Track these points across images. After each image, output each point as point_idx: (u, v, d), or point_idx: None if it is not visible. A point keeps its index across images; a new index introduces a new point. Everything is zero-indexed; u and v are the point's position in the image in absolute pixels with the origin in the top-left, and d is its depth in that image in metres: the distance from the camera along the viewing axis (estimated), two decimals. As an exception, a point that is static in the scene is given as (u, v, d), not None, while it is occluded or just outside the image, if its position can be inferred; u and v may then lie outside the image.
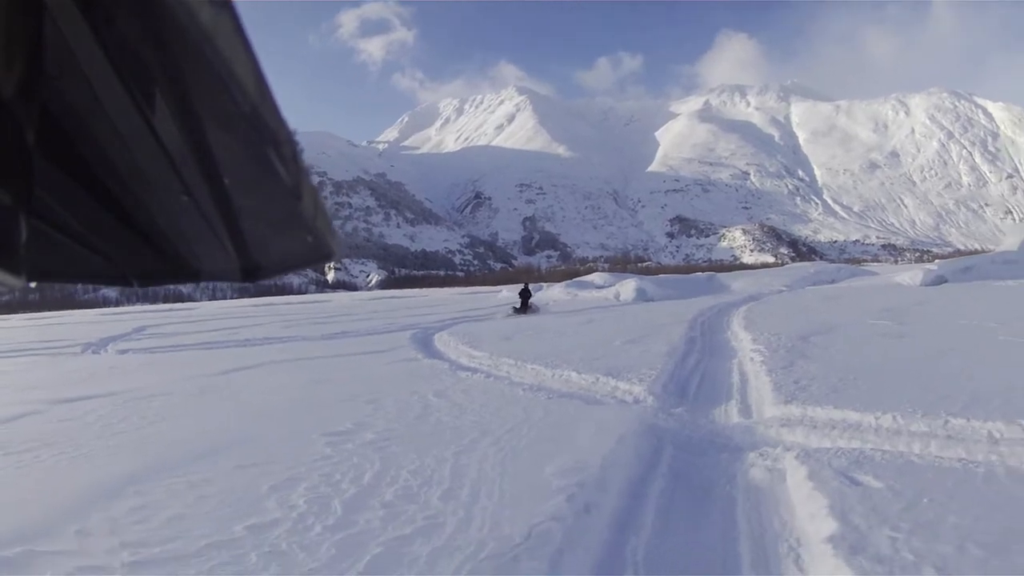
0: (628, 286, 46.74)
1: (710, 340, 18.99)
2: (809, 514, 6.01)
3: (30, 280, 0.71)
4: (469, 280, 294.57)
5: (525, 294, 38.39)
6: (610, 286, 50.38)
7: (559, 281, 62.18)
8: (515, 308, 37.17)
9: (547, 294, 53.33)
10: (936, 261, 51.43)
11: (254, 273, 0.90)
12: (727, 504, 6.85)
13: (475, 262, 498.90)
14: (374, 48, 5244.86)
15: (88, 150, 0.70)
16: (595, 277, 59.37)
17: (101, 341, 27.61)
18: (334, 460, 7.90)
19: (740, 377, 12.89)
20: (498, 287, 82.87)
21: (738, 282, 54.15)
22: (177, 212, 0.79)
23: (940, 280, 42.34)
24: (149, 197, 0.78)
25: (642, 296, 45.22)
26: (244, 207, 0.79)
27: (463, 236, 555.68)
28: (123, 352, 24.20)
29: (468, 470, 7.30)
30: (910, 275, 43.91)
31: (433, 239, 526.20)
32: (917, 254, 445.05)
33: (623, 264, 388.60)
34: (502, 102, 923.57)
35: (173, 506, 6.53)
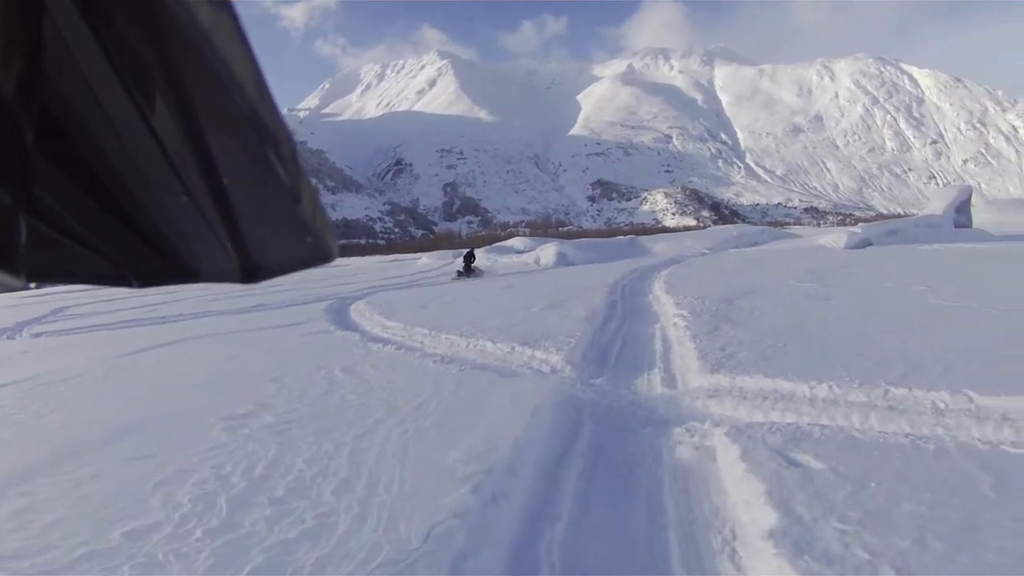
0: (548, 250, 46.18)
1: (631, 304, 18.70)
2: (744, 501, 5.59)
3: (30, 280, 0.71)
4: (391, 248, 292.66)
5: (469, 258, 39.54)
6: (530, 251, 49.91)
7: (480, 247, 61.62)
8: (459, 272, 38.15)
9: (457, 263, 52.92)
10: (860, 224, 51.34)
11: (253, 273, 0.90)
12: (653, 487, 6.44)
13: (396, 230, 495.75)
14: (296, 14, 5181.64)
15: (87, 150, 0.70)
16: (515, 242, 59.05)
17: (17, 325, 26.17)
18: (228, 448, 7.40)
19: (663, 343, 12.52)
20: (418, 254, 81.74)
21: (660, 245, 53.75)
22: (176, 212, 0.79)
23: (865, 243, 41.90)
24: (148, 197, 0.78)
25: (563, 260, 44.78)
26: (243, 207, 0.79)
27: (384, 204, 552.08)
28: (37, 335, 22.86)
29: (367, 456, 6.84)
30: (834, 238, 43.57)
31: (354, 207, 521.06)
32: (840, 217, 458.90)
33: (544, 228, 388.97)
34: (424, 67, 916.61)
35: (56, 509, 6.06)
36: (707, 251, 49.19)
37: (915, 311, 13.39)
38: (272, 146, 0.72)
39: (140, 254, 0.85)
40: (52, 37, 0.58)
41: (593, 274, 29.98)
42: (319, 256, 0.90)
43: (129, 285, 0.90)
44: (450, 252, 68.46)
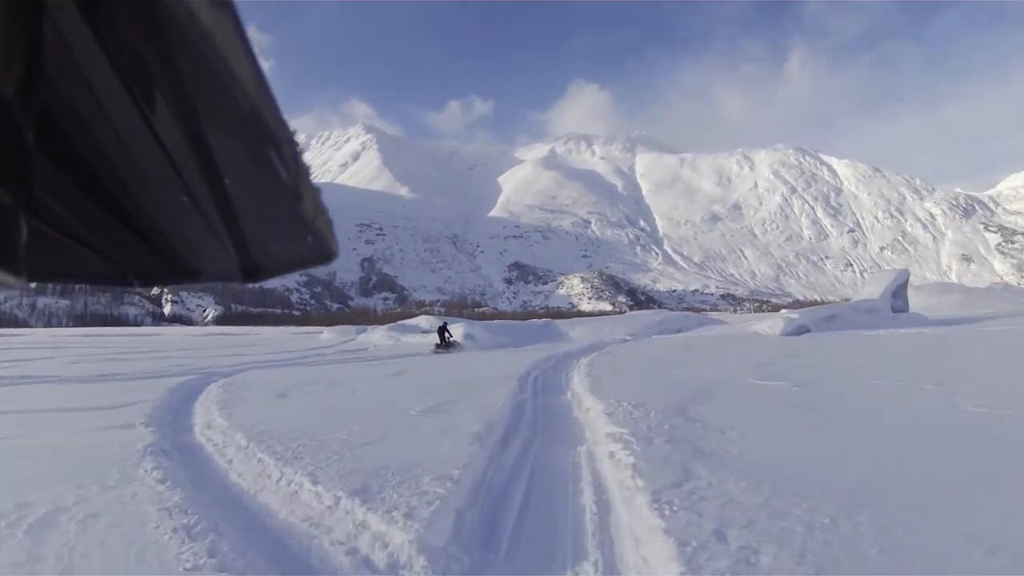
0: (456, 332, 42.74)
1: (545, 407, 14.72)
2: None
3: (31, 280, 0.70)
4: (305, 319, 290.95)
5: (442, 332, 39.50)
6: (436, 331, 46.37)
7: (386, 324, 58.15)
8: (436, 345, 38.27)
9: (368, 338, 49.39)
10: (793, 311, 49.27)
11: (254, 273, 0.91)
12: None
13: (312, 301, 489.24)
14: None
15: (88, 150, 0.70)
16: (421, 320, 55.74)
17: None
18: None
19: (597, 501, 7.51)
20: (323, 328, 79.08)
21: (577, 330, 51.11)
22: (177, 212, 0.79)
23: (802, 329, 40.55)
24: (149, 197, 0.78)
25: (470, 343, 41.58)
26: (244, 207, 0.79)
27: (301, 275, 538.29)
28: None
29: None
30: (768, 324, 41.93)
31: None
32: (756, 304, 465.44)
33: (460, 308, 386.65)
34: (348, 139, 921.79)
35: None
36: (629, 337, 46.62)
37: (972, 431, 9.84)
38: (273, 146, 0.72)
39: (141, 254, 0.86)
40: (53, 37, 0.58)
41: (502, 360, 26.98)
42: (320, 255, 0.90)
43: (130, 285, 0.92)
44: (352, 328, 66.66)
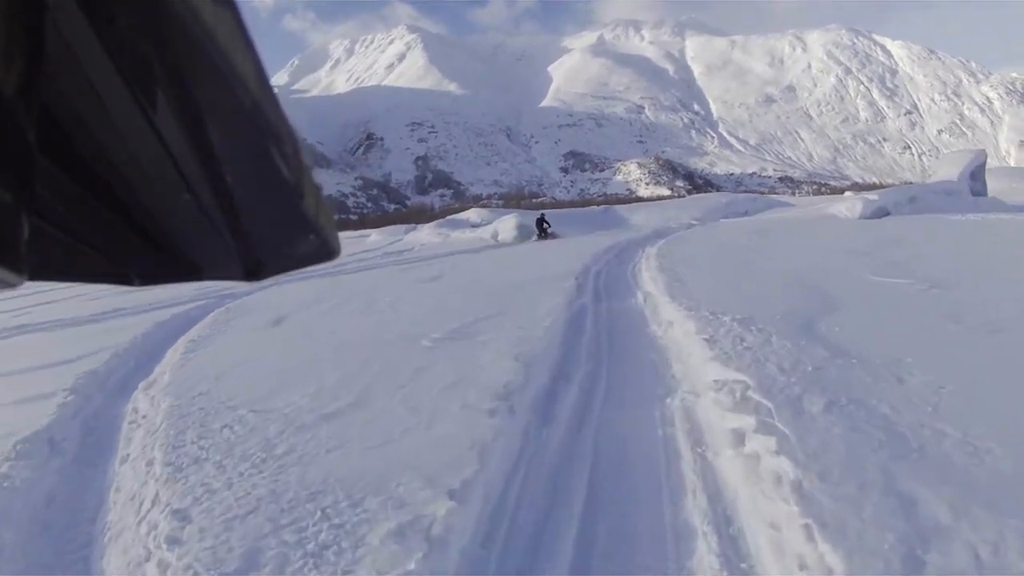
0: (508, 224, 39.57)
1: (609, 325, 11.05)
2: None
3: (32, 278, 0.69)
4: (362, 222, 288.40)
5: (540, 223, 38.97)
6: (487, 224, 43.02)
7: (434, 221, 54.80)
8: (537, 236, 38.04)
9: (415, 237, 46.01)
10: (871, 192, 45.44)
11: (256, 271, 0.87)
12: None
13: (369, 204, 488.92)
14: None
15: (89, 148, 0.69)
16: (471, 214, 52.18)
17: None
18: None
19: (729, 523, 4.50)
20: (396, 226, 75.70)
21: (639, 215, 47.70)
22: (178, 210, 0.78)
23: (882, 212, 36.66)
24: (150, 195, 0.77)
25: (524, 235, 38.52)
26: (246, 205, 0.78)
27: (356, 179, 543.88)
28: None
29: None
30: (846, 206, 38.14)
31: (326, 183, 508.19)
32: (815, 186, 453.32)
33: (517, 200, 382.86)
34: (392, 41, 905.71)
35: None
36: (695, 222, 43.03)
37: None
38: (275, 142, 0.72)
39: (142, 252, 0.84)
40: (53, 35, 0.57)
41: (556, 254, 23.32)
42: (323, 253, 0.88)
43: (131, 283, 0.89)
44: (402, 228, 62.75)
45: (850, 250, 17.64)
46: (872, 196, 40.31)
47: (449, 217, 54.34)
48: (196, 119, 0.66)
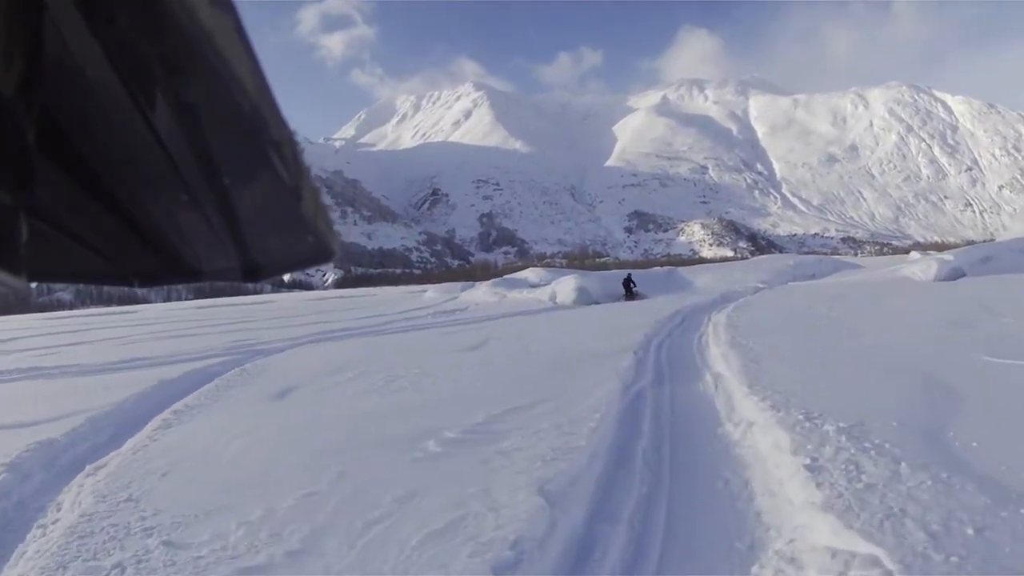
0: (567, 285, 37.80)
1: (672, 424, 8.83)
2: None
3: (31, 280, 0.71)
4: (425, 277, 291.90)
5: (628, 284, 39.79)
6: (546, 284, 41.18)
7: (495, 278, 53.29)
8: (625, 296, 38.59)
9: (470, 295, 44.37)
10: (946, 252, 43.36)
11: (255, 273, 0.90)
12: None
13: (432, 259, 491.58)
14: (334, 44, 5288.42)
15: (88, 150, 0.71)
16: (529, 273, 50.50)
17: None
18: None
19: None
20: (425, 286, 75.66)
21: (703, 277, 46.11)
22: (177, 212, 0.80)
23: (958, 273, 34.80)
24: (149, 197, 0.78)
25: (583, 298, 36.50)
26: (244, 207, 0.80)
27: (420, 233, 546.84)
28: None
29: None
30: (920, 268, 36.39)
31: (390, 237, 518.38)
32: (877, 247, 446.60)
33: (581, 260, 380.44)
34: (459, 98, 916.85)
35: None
36: (762, 285, 41.39)
37: None
38: (273, 145, 0.72)
39: (141, 253, 0.85)
40: (52, 36, 0.58)
41: (616, 321, 21.69)
42: (320, 255, 0.90)
43: (130, 285, 0.91)
44: (458, 285, 62.38)
45: (948, 321, 15.70)
46: (947, 256, 38.68)
47: (507, 276, 52.93)
48: (194, 120, 0.67)
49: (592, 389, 9.75)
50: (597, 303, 35.38)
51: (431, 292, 58.28)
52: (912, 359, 10.83)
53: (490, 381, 11.43)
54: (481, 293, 45.29)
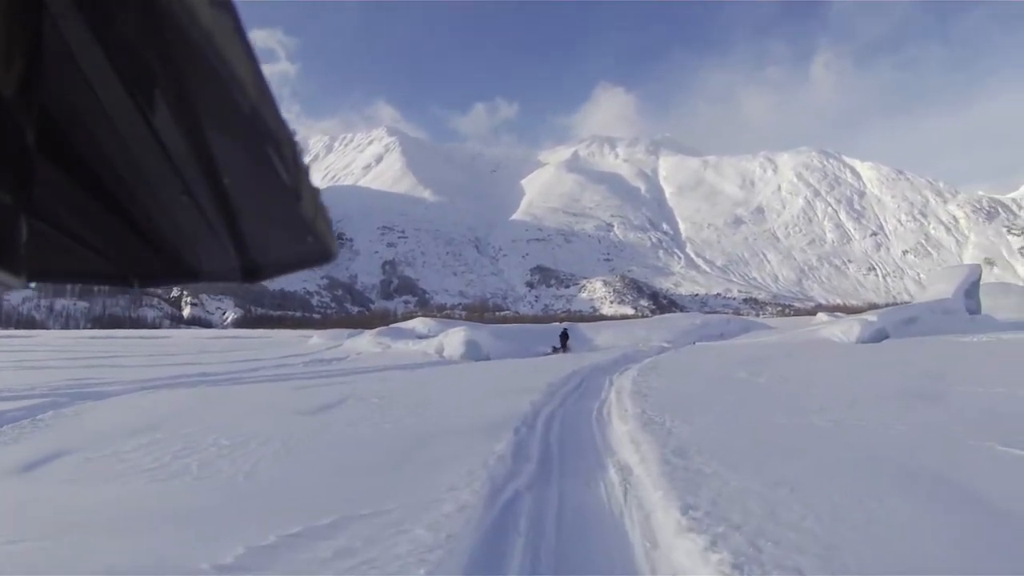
0: (455, 338, 35.17)
1: (556, 543, 6.05)
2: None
3: (31, 280, 0.71)
4: (324, 323, 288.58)
5: (564, 336, 40.37)
6: (434, 336, 38.19)
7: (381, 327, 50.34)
8: (554, 348, 38.70)
9: (354, 344, 41.33)
10: (870, 313, 42.32)
11: (254, 273, 0.91)
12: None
13: (333, 304, 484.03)
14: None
15: (88, 150, 0.71)
16: (417, 323, 47.98)
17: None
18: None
19: None
20: (310, 332, 73.99)
21: (604, 335, 44.41)
22: (177, 212, 0.80)
23: (881, 335, 34.12)
24: (149, 197, 0.78)
25: (473, 352, 33.89)
26: (244, 207, 0.80)
27: (322, 278, 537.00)
28: None
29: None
30: (841, 329, 35.48)
31: (292, 279, 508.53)
32: (779, 308, 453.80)
33: (481, 312, 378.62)
34: (372, 142, 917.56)
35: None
36: (667, 344, 39.92)
37: None
38: (273, 145, 0.72)
39: (141, 254, 0.86)
40: (53, 37, 0.58)
41: (503, 382, 18.71)
42: (319, 256, 0.90)
43: (130, 285, 0.91)
44: (345, 332, 59.80)
45: (902, 391, 13.67)
46: (870, 317, 37.64)
47: (394, 325, 50.39)
48: (194, 121, 0.66)
49: (443, 495, 6.68)
50: (488, 359, 32.86)
51: (316, 338, 56.08)
52: (898, 450, 8.27)
53: (311, 467, 8.34)
54: (365, 342, 42.26)
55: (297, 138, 0.74)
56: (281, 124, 0.71)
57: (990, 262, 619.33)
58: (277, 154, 0.72)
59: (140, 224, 0.79)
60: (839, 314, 64.14)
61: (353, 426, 11.47)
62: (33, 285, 0.78)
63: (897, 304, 57.04)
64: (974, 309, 48.42)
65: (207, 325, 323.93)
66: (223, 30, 0.60)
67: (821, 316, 55.54)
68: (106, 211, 0.76)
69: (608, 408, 13.37)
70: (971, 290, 49.94)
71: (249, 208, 0.78)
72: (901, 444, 8.51)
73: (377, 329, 48.42)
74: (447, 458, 8.41)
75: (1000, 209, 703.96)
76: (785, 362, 21.78)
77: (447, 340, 35.76)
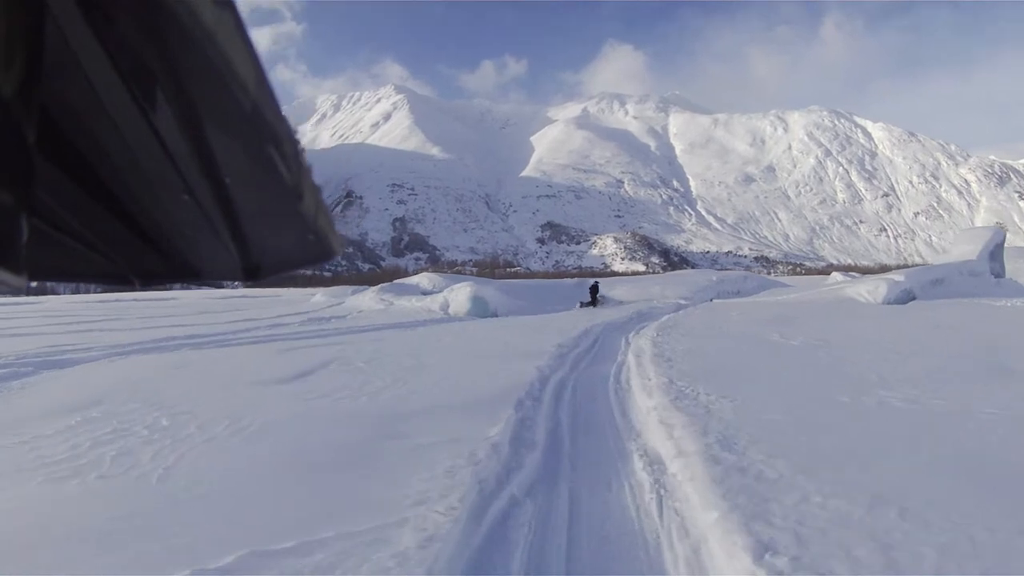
0: (460, 294, 33.35)
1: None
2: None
3: (32, 279, 0.71)
4: (335, 280, 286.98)
5: (594, 290, 38.90)
6: (439, 292, 36.09)
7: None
8: (582, 303, 37.49)
9: (356, 301, 39.53)
10: (897, 273, 39.97)
11: (255, 272, 0.92)
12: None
13: (344, 262, 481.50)
14: (261, 38, 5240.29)
15: (89, 150, 0.71)
16: (421, 279, 45.94)
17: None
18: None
19: None
20: (314, 289, 74.62)
21: (616, 291, 42.16)
22: (178, 211, 0.81)
23: (908, 296, 32.06)
24: (150, 196, 0.79)
25: (479, 309, 32.15)
26: (245, 206, 0.81)
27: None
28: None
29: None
30: (867, 289, 32.96)
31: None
32: (790, 267, 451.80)
33: (491, 268, 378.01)
34: (379, 100, 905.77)
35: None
36: (684, 301, 37.73)
37: None
38: (274, 144, 0.73)
39: (142, 253, 0.87)
40: (54, 36, 0.58)
41: (509, 344, 16.87)
42: (321, 254, 0.91)
43: (131, 284, 0.92)
44: (349, 288, 58.33)
45: (973, 364, 11.64)
46: (897, 277, 35.19)
47: (398, 281, 48.25)
48: (196, 120, 0.67)
49: (406, 513, 4.90)
50: (495, 316, 30.93)
51: (319, 296, 53.80)
52: (1009, 447, 6.35)
53: (247, 460, 6.61)
54: (367, 299, 40.22)
55: (298, 137, 0.74)
56: (282, 122, 0.71)
57: (1002, 227, 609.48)
58: (278, 153, 0.72)
59: (141, 224, 0.79)
60: (854, 274, 62.13)
61: (326, 398, 9.77)
62: (34, 284, 0.75)
63: (910, 266, 55.03)
64: (999, 272, 46.46)
65: (220, 285, 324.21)
66: (225, 29, 0.60)
67: (836, 276, 53.37)
68: (106, 211, 0.76)
69: (627, 374, 11.61)
70: (995, 252, 47.74)
71: (250, 207, 0.78)
72: (1008, 438, 6.65)
73: (380, 285, 46.55)
74: (426, 449, 6.62)
75: (1012, 174, 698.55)
76: (816, 323, 19.95)
77: (452, 296, 34.08)
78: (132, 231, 0.80)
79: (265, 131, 0.69)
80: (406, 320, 28.04)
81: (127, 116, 0.65)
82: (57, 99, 0.64)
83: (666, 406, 8.11)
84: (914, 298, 31.92)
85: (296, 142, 0.74)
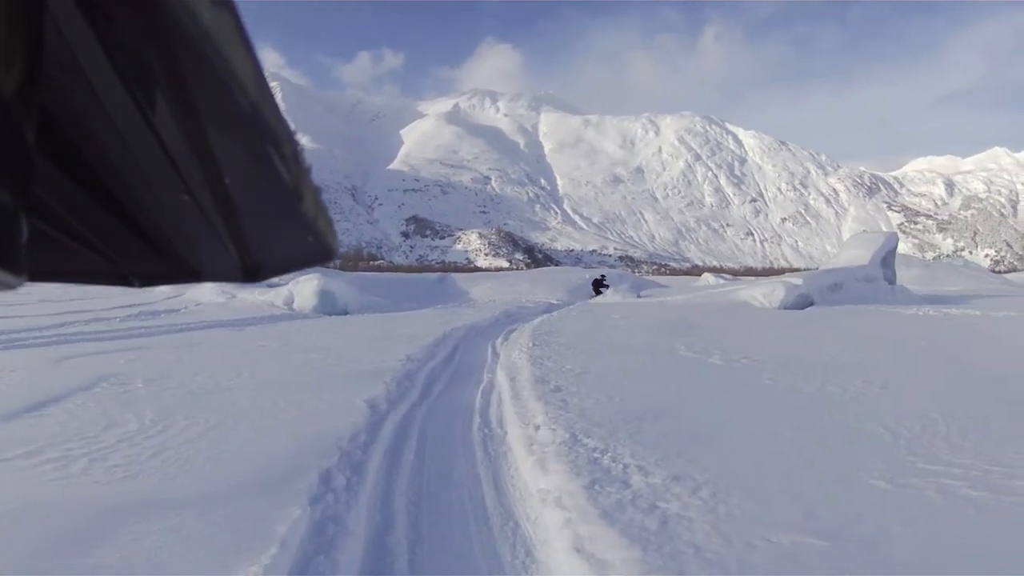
0: (307, 288, 29.68)
1: None
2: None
3: (31, 280, 0.72)
4: None
5: (598, 283, 42.24)
6: (284, 285, 32.50)
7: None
8: (591, 296, 39.57)
9: (196, 293, 35.65)
10: (793, 277, 38.32)
11: (255, 273, 0.91)
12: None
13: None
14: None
15: (89, 149, 0.71)
16: None
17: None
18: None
19: None
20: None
21: (480, 288, 40.27)
22: (177, 212, 0.80)
23: (806, 301, 30.27)
24: (149, 197, 0.79)
25: (327, 305, 28.72)
26: (245, 207, 0.81)
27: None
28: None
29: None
30: (762, 292, 30.81)
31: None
32: (655, 267, 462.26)
33: (355, 261, 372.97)
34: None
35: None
36: (557, 301, 35.57)
37: None
38: (273, 145, 0.73)
39: (141, 253, 0.87)
40: (53, 36, 0.59)
41: (344, 353, 13.59)
42: (321, 255, 0.91)
43: (131, 285, 0.91)
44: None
45: (991, 398, 8.66)
46: (795, 281, 33.39)
47: (244, 275, 44.39)
48: (195, 120, 0.67)
49: None
50: (345, 313, 28.03)
51: (164, 287, 48.38)
52: None
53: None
54: (207, 292, 36.17)
55: (297, 138, 0.75)
56: (281, 122, 0.72)
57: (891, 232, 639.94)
58: (278, 153, 0.72)
59: (140, 224, 0.79)
60: (727, 276, 61.50)
61: (30, 459, 6.20)
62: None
63: (777, 270, 54.72)
64: (891, 279, 44.74)
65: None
66: (224, 29, 0.61)
67: (708, 276, 52.47)
68: (106, 211, 0.76)
69: (498, 410, 8.56)
70: (887, 259, 45.63)
71: (250, 207, 0.78)
72: None
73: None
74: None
75: (881, 186, 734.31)
76: (721, 332, 17.07)
77: (297, 290, 30.84)
78: (132, 231, 0.80)
79: (264, 131, 0.70)
80: (242, 317, 24.79)
81: (126, 116, 0.66)
82: (56, 100, 0.64)
83: (583, 512, 4.82)
84: (812, 303, 30.51)
85: (296, 143, 0.74)
